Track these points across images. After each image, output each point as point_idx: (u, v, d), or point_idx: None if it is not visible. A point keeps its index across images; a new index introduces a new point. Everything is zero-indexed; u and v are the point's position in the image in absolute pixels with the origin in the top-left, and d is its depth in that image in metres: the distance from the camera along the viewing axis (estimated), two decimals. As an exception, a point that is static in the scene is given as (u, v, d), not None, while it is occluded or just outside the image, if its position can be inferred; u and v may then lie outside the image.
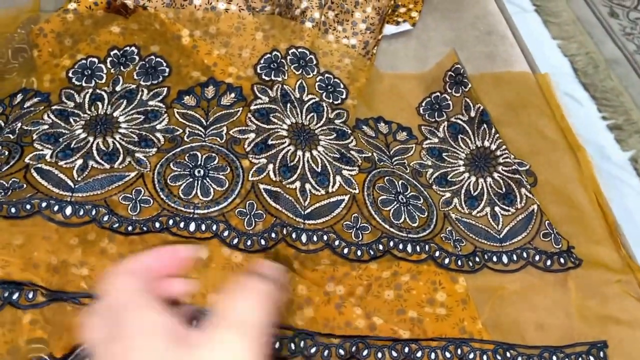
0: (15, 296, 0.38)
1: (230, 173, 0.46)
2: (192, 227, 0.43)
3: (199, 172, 0.45)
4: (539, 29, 0.68)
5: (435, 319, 0.43)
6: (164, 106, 0.49)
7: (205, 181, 0.45)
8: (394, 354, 0.41)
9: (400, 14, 0.62)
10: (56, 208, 0.41)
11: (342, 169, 0.48)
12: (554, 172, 0.53)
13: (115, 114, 0.48)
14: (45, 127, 0.45)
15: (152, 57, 0.51)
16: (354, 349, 0.40)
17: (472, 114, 0.55)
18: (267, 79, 0.52)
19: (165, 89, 0.50)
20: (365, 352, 0.41)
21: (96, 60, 0.51)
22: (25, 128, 0.45)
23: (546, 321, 0.45)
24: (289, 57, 0.53)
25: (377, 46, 0.58)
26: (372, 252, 0.44)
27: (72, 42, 0.51)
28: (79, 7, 0.51)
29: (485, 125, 0.54)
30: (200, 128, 0.48)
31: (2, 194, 0.41)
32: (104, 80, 0.50)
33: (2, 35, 0.53)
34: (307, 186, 0.46)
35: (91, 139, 0.45)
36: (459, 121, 0.55)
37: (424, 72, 0.59)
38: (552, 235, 0.48)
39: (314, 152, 0.48)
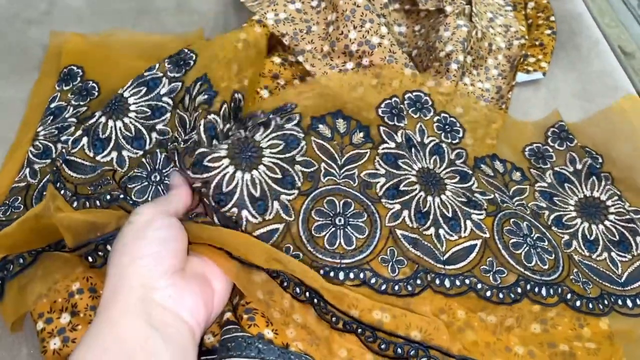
0: None
1: (368, 219, 0.47)
2: (342, 276, 0.44)
3: (339, 220, 0.46)
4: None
5: (587, 352, 0.43)
6: (301, 132, 0.50)
7: (347, 230, 0.46)
8: None
9: (530, 63, 0.65)
10: None
11: (471, 213, 0.49)
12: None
13: (256, 137, 0.48)
14: (204, 149, 0.45)
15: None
16: None
17: (579, 166, 0.56)
18: (390, 123, 0.53)
19: (297, 116, 0.51)
20: None
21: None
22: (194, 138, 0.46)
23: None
24: (405, 102, 0.55)
25: (511, 92, 0.61)
26: (512, 296, 0.45)
27: (237, 69, 0.55)
28: (248, 38, 0.55)
29: (594, 178, 0.55)
30: (335, 167, 0.50)
31: None
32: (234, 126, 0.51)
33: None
34: (441, 232, 0.47)
35: (239, 175, 0.44)
36: (564, 171, 0.56)
37: (527, 122, 0.60)
38: None
39: (443, 197, 0.49)
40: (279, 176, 0.46)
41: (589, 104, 0.63)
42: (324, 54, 0.58)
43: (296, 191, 0.47)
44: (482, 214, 0.49)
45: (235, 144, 0.46)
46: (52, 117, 0.52)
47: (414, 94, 0.56)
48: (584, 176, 0.55)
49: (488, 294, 0.45)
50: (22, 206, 0.46)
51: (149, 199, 0.47)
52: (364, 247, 0.45)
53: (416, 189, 0.49)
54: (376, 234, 0.46)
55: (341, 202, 0.47)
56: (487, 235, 0.48)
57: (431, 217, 0.48)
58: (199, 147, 0.45)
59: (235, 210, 0.43)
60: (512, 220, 0.49)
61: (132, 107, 0.51)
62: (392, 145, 0.52)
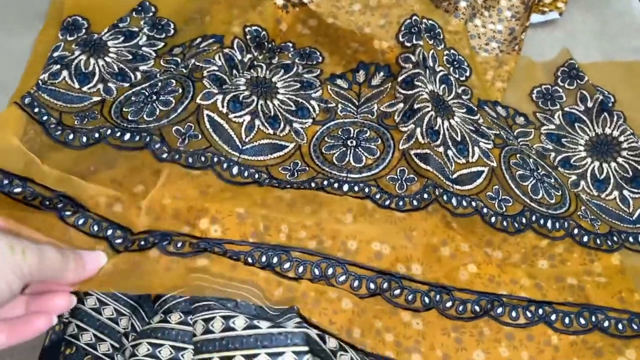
0: (164, 243, 0.39)
1: (382, 144, 0.47)
2: (345, 188, 0.44)
3: (351, 142, 0.47)
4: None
5: (596, 286, 0.42)
6: (318, 81, 0.52)
7: (357, 150, 0.47)
8: (528, 314, 0.40)
9: (546, 4, 0.62)
10: (225, 166, 0.44)
11: (479, 140, 0.48)
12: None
13: (273, 79, 0.51)
14: (215, 68, 0.48)
15: (308, 48, 0.55)
16: (489, 306, 0.40)
17: (589, 104, 0.54)
18: (409, 45, 0.51)
19: (319, 70, 0.53)
20: (499, 310, 0.40)
21: (265, 32, 0.54)
22: (197, 64, 0.48)
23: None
24: (423, 25, 0.53)
25: (524, 33, 0.59)
26: (516, 225, 0.44)
27: (239, 12, 0.54)
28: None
29: (605, 114, 0.53)
30: (352, 106, 0.51)
31: (181, 141, 0.44)
32: (261, 57, 0.53)
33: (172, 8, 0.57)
34: (450, 153, 0.46)
35: (255, 98, 0.48)
36: (574, 111, 0.54)
37: (536, 62, 0.58)
38: None
39: (452, 122, 0.48)
40: (293, 108, 0.49)
41: (608, 44, 0.60)
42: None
43: (310, 120, 0.49)
44: (490, 144, 0.48)
45: (250, 81, 0.49)
46: (55, 66, 0.52)
47: (430, 22, 0.54)
48: (595, 113, 0.53)
49: (493, 220, 0.44)
50: None
51: (144, 117, 0.45)
52: (374, 166, 0.46)
53: (428, 107, 0.48)
54: (387, 156, 0.47)
55: (357, 130, 0.48)
56: (494, 164, 0.47)
57: (441, 136, 0.47)
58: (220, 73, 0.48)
59: (247, 118, 0.46)
60: (518, 155, 0.48)
61: (112, 50, 0.53)
62: (409, 66, 0.51)
